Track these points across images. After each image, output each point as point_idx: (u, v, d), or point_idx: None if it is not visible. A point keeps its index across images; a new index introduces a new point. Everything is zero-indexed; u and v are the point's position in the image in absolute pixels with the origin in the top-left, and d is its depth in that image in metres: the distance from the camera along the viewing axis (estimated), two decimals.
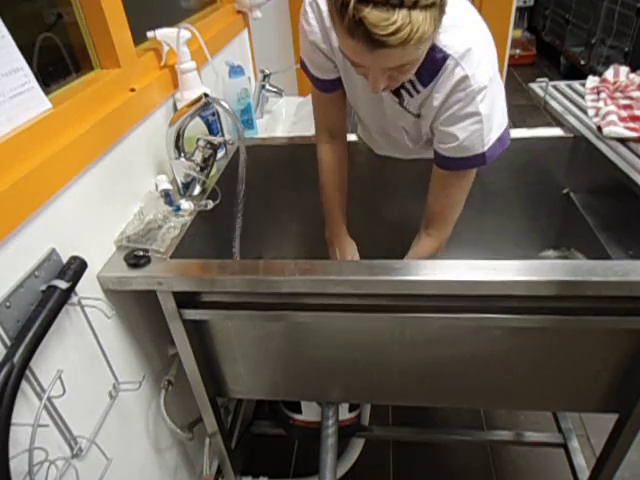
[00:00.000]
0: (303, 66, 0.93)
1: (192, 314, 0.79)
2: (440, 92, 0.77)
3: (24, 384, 0.60)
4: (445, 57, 0.73)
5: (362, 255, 1.07)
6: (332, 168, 1.03)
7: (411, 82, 0.79)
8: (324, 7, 0.80)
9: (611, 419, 0.88)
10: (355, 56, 0.66)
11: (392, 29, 0.57)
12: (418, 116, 0.85)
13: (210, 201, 0.91)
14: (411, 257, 0.95)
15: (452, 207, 0.91)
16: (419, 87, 0.79)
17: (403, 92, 0.82)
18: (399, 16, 0.56)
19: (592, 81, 1.21)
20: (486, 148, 0.80)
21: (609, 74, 1.19)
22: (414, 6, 0.57)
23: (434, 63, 0.73)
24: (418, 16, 0.57)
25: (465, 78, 0.73)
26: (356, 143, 1.18)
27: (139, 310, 0.87)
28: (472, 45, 0.73)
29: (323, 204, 1.05)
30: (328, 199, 1.04)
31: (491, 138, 0.80)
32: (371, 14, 0.56)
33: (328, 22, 0.79)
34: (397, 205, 1.23)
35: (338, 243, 1.05)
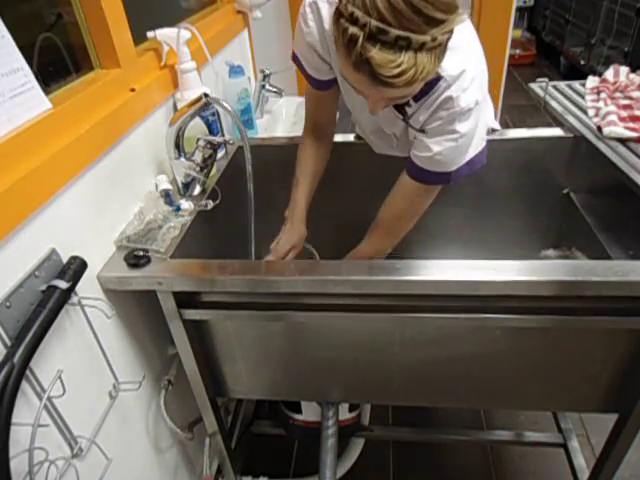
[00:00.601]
0: (296, 60, 0.93)
1: (192, 314, 0.79)
2: (427, 108, 0.78)
3: (24, 384, 0.60)
4: (439, 78, 0.74)
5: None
6: (310, 156, 1.04)
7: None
8: (324, 11, 0.80)
9: (611, 419, 0.88)
10: (357, 85, 0.66)
11: (397, 71, 0.57)
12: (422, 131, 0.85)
13: (210, 201, 0.91)
14: (349, 256, 0.97)
15: (402, 219, 0.93)
16: (411, 101, 0.79)
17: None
18: (405, 58, 0.57)
19: (592, 81, 1.21)
20: (454, 168, 0.82)
21: (609, 74, 1.19)
22: (421, 48, 0.57)
23: (428, 83, 0.73)
24: (424, 58, 0.58)
25: (448, 99, 0.75)
26: (354, 144, 1.18)
27: (139, 310, 0.87)
28: (466, 67, 0.73)
29: (293, 186, 1.05)
30: (298, 184, 1.04)
31: (463, 160, 0.82)
32: (378, 55, 0.57)
33: (327, 25, 0.79)
34: None
35: (292, 225, 1.04)
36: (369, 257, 0.96)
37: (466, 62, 0.74)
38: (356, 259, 0.97)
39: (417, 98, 0.78)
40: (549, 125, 1.14)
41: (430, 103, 0.77)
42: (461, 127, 0.77)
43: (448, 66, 0.72)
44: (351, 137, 1.18)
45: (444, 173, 0.83)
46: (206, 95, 0.86)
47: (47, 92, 0.68)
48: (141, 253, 0.76)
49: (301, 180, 1.04)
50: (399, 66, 0.57)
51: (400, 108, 0.81)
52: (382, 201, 1.10)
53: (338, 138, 1.19)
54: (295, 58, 0.93)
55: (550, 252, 1.15)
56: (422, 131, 0.79)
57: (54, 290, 0.61)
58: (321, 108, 1.01)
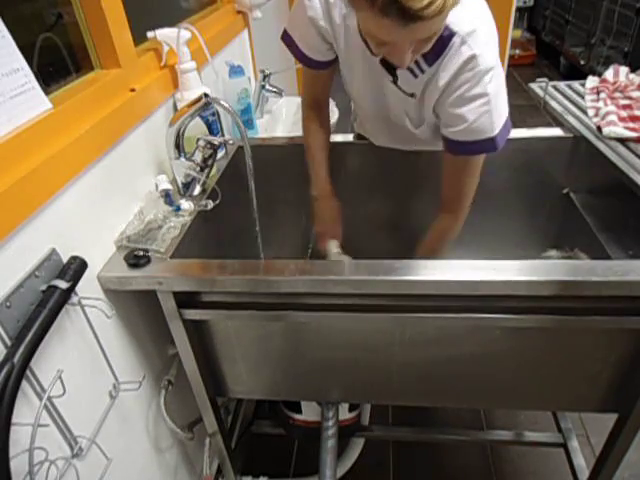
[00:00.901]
0: (287, 40, 0.91)
1: (192, 314, 0.79)
2: (446, 71, 0.76)
3: (24, 384, 0.60)
4: (451, 35, 0.72)
5: (362, 255, 1.07)
6: (316, 130, 1.04)
7: (416, 62, 0.78)
8: None
9: (611, 419, 0.88)
10: (385, 34, 0.64)
11: (427, 1, 0.57)
12: (412, 95, 0.84)
13: (210, 201, 0.91)
14: (432, 236, 0.95)
15: (466, 191, 0.91)
16: (424, 66, 0.78)
17: (406, 72, 0.81)
18: None
19: (592, 81, 1.21)
20: (496, 132, 0.79)
21: (609, 74, 1.19)
22: None
23: (440, 41, 0.72)
24: None
25: (472, 57, 0.73)
26: (354, 144, 1.18)
27: (139, 310, 0.87)
28: (478, 25, 0.72)
29: (309, 164, 1.05)
30: (313, 159, 1.04)
31: (500, 122, 0.79)
32: None
33: None
34: (396, 204, 1.23)
35: (324, 203, 1.04)
36: (454, 229, 0.95)
37: (477, 19, 0.73)
38: (427, 251, 0.96)
39: (431, 61, 0.77)
40: (549, 125, 1.15)
41: (448, 64, 0.75)
42: (490, 87, 0.75)
43: (460, 21, 0.71)
44: (351, 137, 1.18)
45: (488, 139, 0.79)
46: (206, 95, 0.86)
47: (47, 92, 0.68)
48: (141, 253, 0.76)
49: (317, 156, 1.03)
50: None
51: (391, 71, 0.80)
52: (382, 201, 1.10)
53: (338, 138, 1.19)
54: (286, 38, 0.92)
55: (552, 253, 1.15)
56: (411, 95, 0.78)
57: (54, 290, 0.61)
58: (318, 85, 1.01)
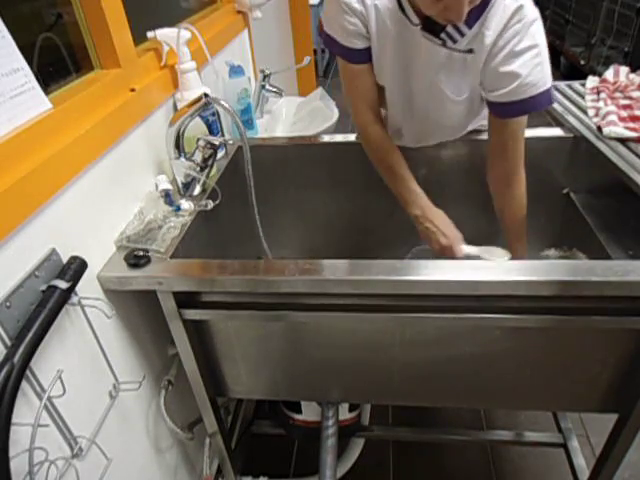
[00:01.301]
0: (329, 40, 0.89)
1: (192, 314, 0.79)
2: (492, 28, 0.75)
3: (24, 384, 0.60)
4: None
5: (363, 255, 1.07)
6: (392, 146, 0.97)
7: (454, 26, 0.77)
8: None
9: (611, 419, 0.88)
10: None
11: None
12: (470, 51, 0.81)
13: (210, 201, 0.91)
14: (517, 213, 0.95)
15: (522, 155, 0.90)
16: (464, 29, 0.77)
17: (444, 36, 0.80)
18: None
19: (592, 81, 1.21)
20: (550, 84, 0.78)
21: (609, 74, 1.19)
22: None
23: None
24: None
25: (520, 8, 0.73)
26: (354, 144, 1.18)
27: (139, 310, 0.87)
28: None
29: (397, 185, 0.97)
30: (401, 177, 0.96)
31: (549, 73, 0.78)
32: None
33: None
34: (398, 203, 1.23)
35: (432, 216, 0.95)
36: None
37: None
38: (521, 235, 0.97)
39: (472, 22, 0.76)
40: (549, 125, 1.14)
41: (493, 19, 0.75)
42: (538, 38, 0.75)
43: None
44: (351, 137, 1.18)
45: (544, 92, 0.79)
46: (206, 95, 0.86)
47: (47, 92, 0.68)
48: (141, 253, 0.76)
49: (400, 171, 0.96)
50: None
51: (437, 36, 0.79)
52: (383, 200, 1.10)
53: (338, 138, 1.19)
54: (326, 39, 0.89)
55: (551, 252, 1.15)
56: (469, 51, 0.76)
57: (54, 290, 0.61)
58: (370, 83, 0.94)
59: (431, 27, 0.79)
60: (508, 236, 1.00)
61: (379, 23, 0.84)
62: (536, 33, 0.75)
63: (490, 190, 0.99)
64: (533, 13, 0.74)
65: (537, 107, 0.81)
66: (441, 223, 0.94)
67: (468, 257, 0.93)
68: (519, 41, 0.75)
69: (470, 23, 0.76)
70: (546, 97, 0.79)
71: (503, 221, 1.00)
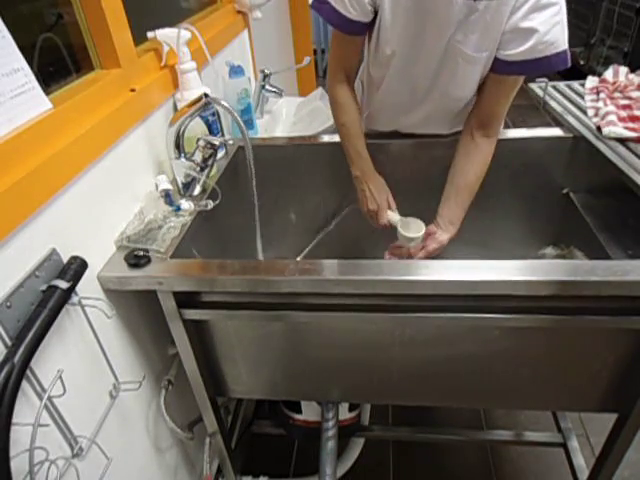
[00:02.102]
0: (323, 5, 0.87)
1: (192, 314, 0.80)
2: None
3: (24, 384, 0.60)
4: None
5: (361, 255, 1.07)
6: (352, 107, 1.00)
7: None
8: None
9: (610, 419, 0.89)
10: None
11: None
12: None
13: (210, 201, 0.91)
14: (475, 164, 0.95)
15: (504, 112, 0.92)
16: None
17: None
18: None
19: (591, 81, 1.22)
20: (566, 45, 0.79)
21: (608, 74, 1.20)
22: None
23: None
24: None
25: None
26: None
27: (139, 310, 0.87)
28: None
29: (346, 143, 1.01)
30: (353, 136, 1.00)
31: (566, 34, 0.78)
32: None
33: None
34: (400, 201, 1.23)
35: (369, 180, 1.00)
36: (491, 154, 0.96)
37: None
38: (473, 183, 0.96)
39: None
40: (549, 125, 1.15)
41: None
42: None
43: None
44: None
45: (560, 52, 0.79)
46: (206, 95, 0.86)
47: (47, 92, 0.68)
48: (141, 253, 0.76)
49: (353, 131, 0.99)
50: None
51: None
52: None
53: (338, 138, 1.19)
54: (318, 1, 0.88)
55: (548, 250, 1.15)
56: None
57: (54, 290, 0.61)
58: (352, 54, 0.97)
59: None
60: (449, 196, 0.98)
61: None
62: None
63: (458, 144, 0.99)
64: None
65: (552, 67, 0.81)
66: (375, 189, 0.99)
67: (392, 226, 1.00)
68: None
69: None
70: (562, 58, 0.80)
71: (453, 180, 0.98)
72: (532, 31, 0.77)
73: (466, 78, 0.92)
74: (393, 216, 1.00)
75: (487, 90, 0.92)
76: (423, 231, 0.96)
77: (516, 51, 0.81)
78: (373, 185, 1.00)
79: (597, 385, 0.82)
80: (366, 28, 0.91)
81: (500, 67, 0.86)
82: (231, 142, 1.16)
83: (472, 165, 0.96)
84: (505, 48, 0.83)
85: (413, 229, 0.97)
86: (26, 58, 0.63)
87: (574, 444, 1.22)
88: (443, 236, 0.96)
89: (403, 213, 1.01)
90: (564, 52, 0.80)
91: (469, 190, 0.96)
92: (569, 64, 0.80)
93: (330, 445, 1.06)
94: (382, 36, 0.91)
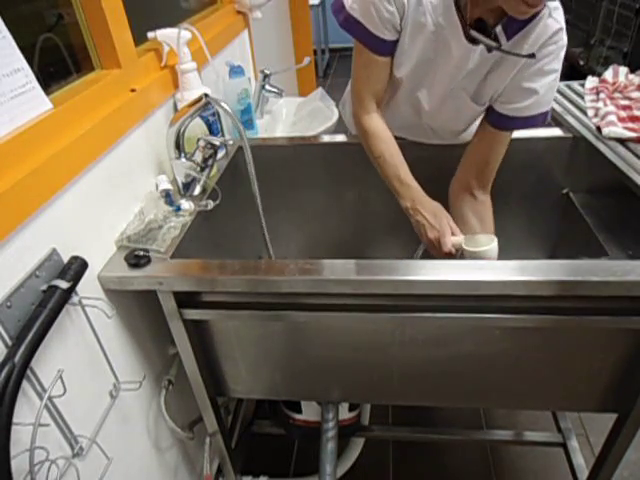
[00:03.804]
0: (351, 25, 0.86)
1: (192, 314, 0.80)
2: (530, 43, 0.78)
3: (25, 384, 0.60)
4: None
5: (362, 256, 1.07)
6: (386, 134, 0.96)
7: (494, 36, 0.79)
8: None
9: (610, 418, 0.89)
10: None
11: None
12: (515, 54, 0.81)
13: (210, 201, 0.91)
14: (486, 224, 0.96)
15: (497, 166, 0.95)
16: (502, 40, 0.79)
17: (480, 46, 0.82)
18: None
19: (591, 81, 1.22)
20: (551, 105, 0.86)
21: (608, 75, 1.20)
22: None
23: None
24: None
25: (559, 30, 0.77)
26: (353, 144, 1.18)
27: (139, 310, 0.87)
28: (557, 1, 0.76)
29: (388, 174, 0.95)
30: (394, 167, 0.94)
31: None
32: None
33: None
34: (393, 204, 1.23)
35: (423, 208, 0.92)
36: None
37: None
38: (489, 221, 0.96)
39: (511, 33, 0.78)
40: (548, 125, 1.15)
41: (534, 36, 0.77)
42: (561, 63, 0.80)
43: None
44: (352, 137, 1.18)
45: (546, 112, 0.87)
46: (206, 95, 0.86)
47: (48, 92, 0.68)
48: (141, 253, 0.76)
49: (393, 161, 0.94)
50: None
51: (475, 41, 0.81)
52: (383, 200, 1.10)
53: (338, 138, 1.19)
54: (349, 21, 0.86)
55: None
56: (531, 55, 0.78)
57: (55, 290, 0.61)
58: (383, 76, 0.93)
59: (481, 28, 0.80)
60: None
61: (418, 16, 0.83)
62: (562, 58, 0.80)
63: (461, 203, 0.99)
64: (565, 39, 0.78)
65: (536, 124, 0.88)
66: (431, 216, 0.90)
67: (457, 250, 0.89)
68: (550, 62, 0.80)
69: (509, 34, 0.78)
70: (545, 116, 0.87)
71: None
72: (533, 92, 0.83)
73: (463, 119, 0.98)
74: (457, 240, 0.88)
75: (481, 149, 0.95)
76: (495, 241, 0.85)
77: (513, 106, 0.86)
78: (428, 212, 0.91)
79: (597, 385, 0.82)
80: (391, 48, 0.89)
81: (494, 119, 0.90)
82: (231, 142, 1.16)
83: (486, 226, 0.96)
84: (505, 102, 0.87)
85: (482, 242, 0.85)
86: (26, 58, 0.63)
87: (574, 444, 1.22)
88: None
89: None
90: (548, 112, 0.88)
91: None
92: (547, 121, 0.88)
93: (330, 445, 1.06)
94: (397, 59, 0.90)
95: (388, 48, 0.88)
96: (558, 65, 0.81)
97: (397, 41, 0.88)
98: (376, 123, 0.95)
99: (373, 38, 0.86)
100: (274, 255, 1.06)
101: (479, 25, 0.79)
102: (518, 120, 0.87)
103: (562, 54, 0.80)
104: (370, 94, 0.94)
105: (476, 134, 0.96)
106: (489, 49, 0.82)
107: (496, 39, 0.79)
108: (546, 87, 0.82)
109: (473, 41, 0.81)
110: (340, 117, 1.44)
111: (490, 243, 0.84)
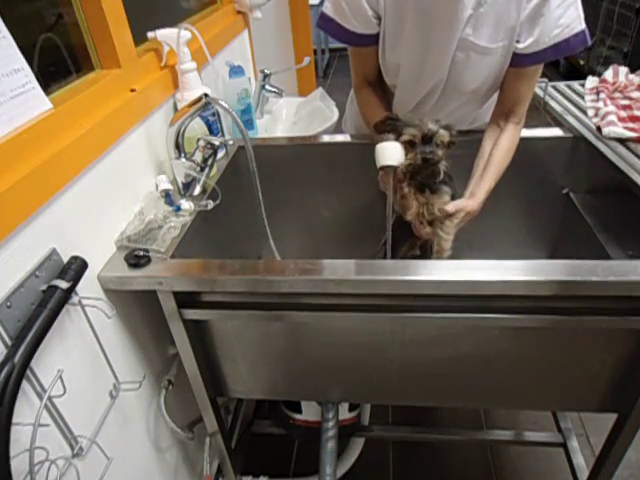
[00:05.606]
0: (328, 23, 0.90)
1: (192, 314, 0.80)
2: None
3: (25, 384, 0.60)
4: None
5: (359, 256, 1.07)
6: (378, 103, 1.02)
7: None
8: None
9: (610, 418, 0.89)
10: None
11: None
12: None
13: (210, 201, 0.91)
14: (503, 151, 0.94)
15: (531, 92, 0.93)
16: None
17: None
18: None
19: (591, 81, 1.22)
20: (584, 24, 0.81)
21: (608, 74, 1.20)
22: None
23: None
24: None
25: None
26: (353, 144, 1.18)
27: (139, 310, 0.87)
28: None
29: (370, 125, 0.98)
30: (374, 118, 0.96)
31: (582, 14, 0.82)
32: None
33: None
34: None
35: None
36: (508, 159, 0.96)
37: None
38: (499, 168, 0.95)
39: None
40: (549, 125, 1.15)
41: None
42: None
43: None
44: (351, 137, 1.18)
45: (579, 33, 0.82)
46: (206, 95, 0.86)
47: (48, 92, 0.68)
48: (141, 253, 0.76)
49: (378, 116, 0.94)
50: None
51: None
52: (383, 200, 1.09)
53: (338, 138, 1.19)
54: (325, 22, 0.91)
55: None
56: None
57: (55, 290, 0.61)
58: (368, 62, 1.00)
59: None
60: (474, 173, 0.97)
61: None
62: None
63: (484, 134, 0.99)
64: None
65: (572, 49, 0.83)
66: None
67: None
68: None
69: None
70: (581, 39, 0.82)
71: (479, 162, 0.97)
72: (546, 17, 0.80)
73: (481, 70, 0.92)
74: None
75: (508, 82, 0.93)
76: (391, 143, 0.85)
77: (533, 40, 0.83)
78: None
79: (597, 385, 0.82)
80: (375, 39, 0.93)
81: (520, 61, 0.88)
82: (231, 142, 1.16)
83: (498, 147, 0.96)
84: (523, 40, 0.84)
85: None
86: (26, 58, 0.63)
87: (574, 444, 1.22)
88: (462, 202, 0.91)
89: None
90: (582, 32, 0.82)
91: (496, 168, 0.95)
92: (589, 42, 0.81)
93: (330, 445, 1.06)
94: (387, 44, 0.92)
95: (365, 41, 0.93)
96: None
97: (377, 35, 0.91)
98: (364, 92, 1.04)
99: (348, 33, 0.91)
100: (266, 255, 1.06)
101: None
102: (546, 51, 0.83)
103: None
104: (359, 74, 1.04)
105: (504, 77, 0.94)
106: None
107: None
108: (561, 8, 0.79)
109: None
110: (340, 117, 1.44)
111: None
